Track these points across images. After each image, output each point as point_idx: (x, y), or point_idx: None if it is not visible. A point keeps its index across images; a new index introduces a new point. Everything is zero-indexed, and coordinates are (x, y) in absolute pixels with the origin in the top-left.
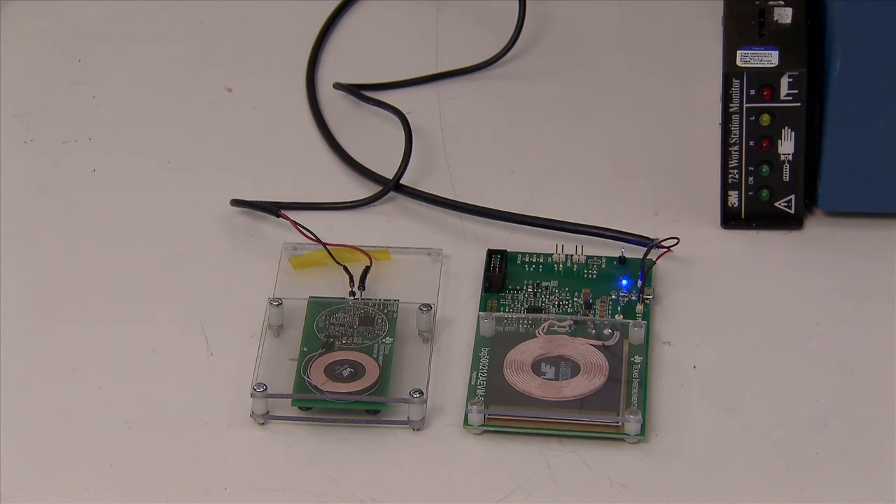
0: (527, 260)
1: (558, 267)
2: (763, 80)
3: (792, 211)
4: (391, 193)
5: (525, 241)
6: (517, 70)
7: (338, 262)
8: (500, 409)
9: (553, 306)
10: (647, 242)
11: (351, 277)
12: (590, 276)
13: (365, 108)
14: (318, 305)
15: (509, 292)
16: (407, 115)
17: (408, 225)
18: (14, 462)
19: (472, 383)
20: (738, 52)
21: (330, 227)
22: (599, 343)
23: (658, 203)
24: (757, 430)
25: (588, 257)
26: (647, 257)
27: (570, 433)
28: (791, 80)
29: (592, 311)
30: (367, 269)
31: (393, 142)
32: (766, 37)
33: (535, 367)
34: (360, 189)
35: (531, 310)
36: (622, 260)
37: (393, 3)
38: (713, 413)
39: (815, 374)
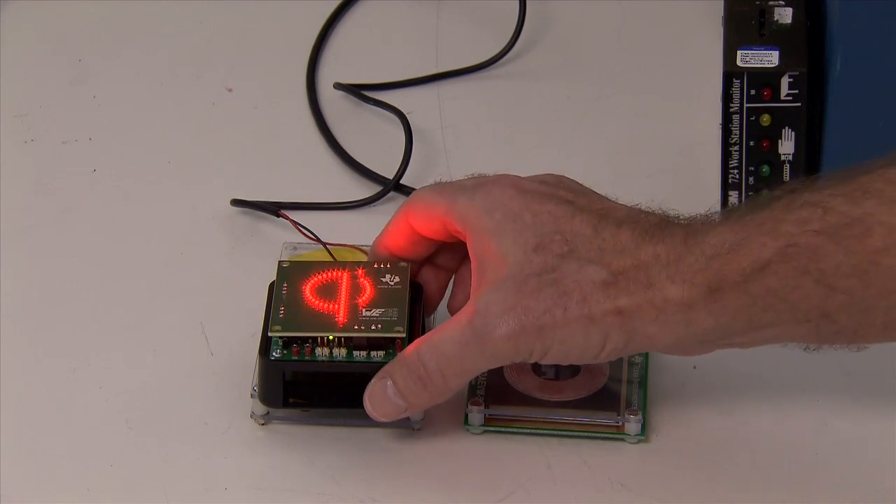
0: None
1: None
2: (763, 80)
3: None
4: (391, 193)
5: None
6: (517, 70)
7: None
8: (500, 409)
9: None
10: None
11: None
12: None
13: (365, 108)
14: None
15: None
16: (407, 115)
17: None
18: (14, 462)
19: (473, 383)
20: (738, 52)
21: (330, 227)
22: None
23: (658, 203)
24: (757, 430)
25: None
26: None
27: (570, 433)
28: (791, 80)
29: None
30: None
31: (393, 142)
32: (766, 37)
33: (536, 367)
34: (360, 189)
35: None
36: None
37: (393, 3)
38: (713, 413)
39: (815, 374)
